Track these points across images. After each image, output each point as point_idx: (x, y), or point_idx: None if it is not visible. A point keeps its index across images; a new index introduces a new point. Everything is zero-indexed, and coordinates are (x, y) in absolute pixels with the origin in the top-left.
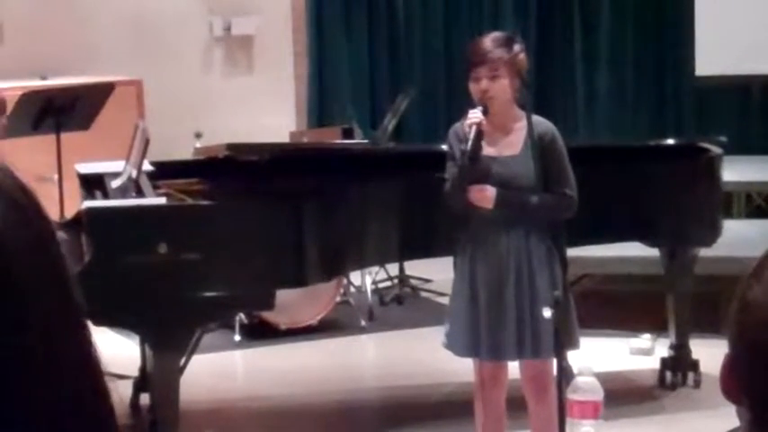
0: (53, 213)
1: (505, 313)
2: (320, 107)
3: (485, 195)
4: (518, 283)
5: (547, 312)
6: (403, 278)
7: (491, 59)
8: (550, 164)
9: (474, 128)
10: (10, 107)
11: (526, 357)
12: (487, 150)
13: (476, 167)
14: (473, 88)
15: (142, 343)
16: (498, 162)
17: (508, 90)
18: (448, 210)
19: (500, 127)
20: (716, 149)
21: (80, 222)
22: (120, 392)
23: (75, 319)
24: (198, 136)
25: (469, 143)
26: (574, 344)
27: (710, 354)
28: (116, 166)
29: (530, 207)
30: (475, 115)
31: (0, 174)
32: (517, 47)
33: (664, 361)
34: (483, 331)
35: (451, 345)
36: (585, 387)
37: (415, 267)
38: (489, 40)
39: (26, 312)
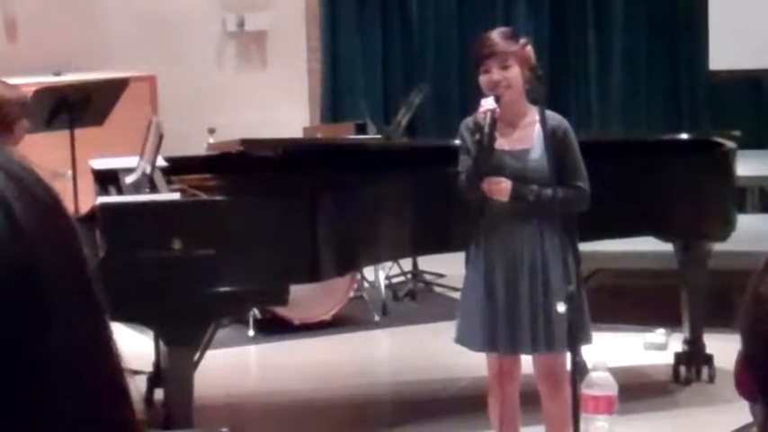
0: (68, 209)
1: (520, 307)
2: (333, 102)
3: (501, 188)
4: (532, 277)
5: (561, 307)
6: (416, 273)
7: (500, 51)
8: (563, 157)
9: (488, 114)
10: None
11: (540, 351)
12: (500, 144)
13: (490, 158)
14: (483, 81)
15: (156, 338)
16: (512, 155)
17: (520, 80)
18: (461, 204)
19: (510, 121)
20: (729, 144)
21: (94, 218)
22: (135, 388)
23: (97, 316)
24: (211, 131)
25: (486, 127)
26: (586, 338)
27: (725, 348)
28: (130, 161)
29: (544, 200)
30: (488, 103)
31: (23, 173)
32: (523, 40)
33: (678, 356)
34: (500, 325)
35: (466, 339)
36: (600, 382)
37: (428, 262)
38: (497, 34)
39: (49, 310)
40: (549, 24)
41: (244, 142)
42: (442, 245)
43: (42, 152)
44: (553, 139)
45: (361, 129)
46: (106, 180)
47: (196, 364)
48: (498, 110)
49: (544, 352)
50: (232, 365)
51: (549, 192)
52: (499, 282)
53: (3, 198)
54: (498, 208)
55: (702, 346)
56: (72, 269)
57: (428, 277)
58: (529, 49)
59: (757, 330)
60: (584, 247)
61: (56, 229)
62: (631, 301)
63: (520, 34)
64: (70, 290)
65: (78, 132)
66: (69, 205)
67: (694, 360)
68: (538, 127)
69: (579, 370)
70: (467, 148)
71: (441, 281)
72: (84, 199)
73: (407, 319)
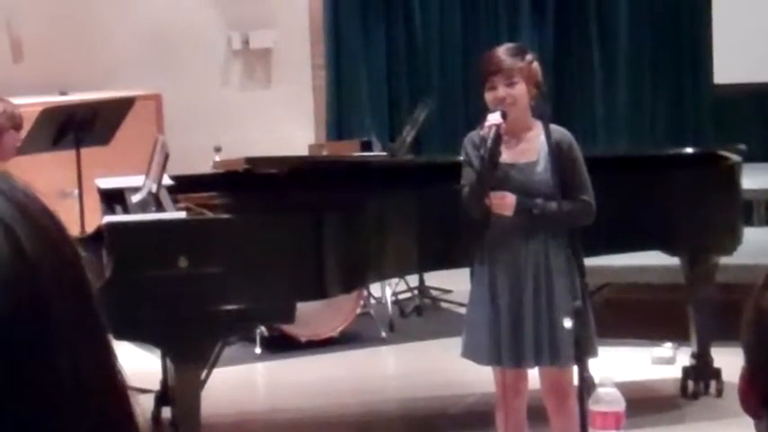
0: (74, 228)
1: (523, 321)
2: (339, 120)
3: (505, 202)
4: (536, 291)
5: (567, 323)
6: (423, 289)
7: (506, 68)
8: (568, 171)
9: (493, 129)
10: (30, 123)
11: (544, 365)
12: (505, 157)
13: (494, 172)
14: (489, 97)
15: (163, 356)
16: (516, 169)
17: (525, 96)
18: (467, 219)
19: (515, 135)
20: (735, 157)
21: (101, 237)
22: (142, 406)
23: (101, 340)
24: (217, 149)
25: (489, 142)
26: (592, 352)
27: (732, 362)
28: (136, 180)
29: (549, 214)
30: (494, 118)
31: (25, 198)
32: (530, 56)
33: (685, 370)
34: (504, 339)
35: (471, 353)
36: (607, 398)
37: (434, 278)
38: (503, 50)
39: (53, 334)
40: (554, 39)
41: (249, 160)
42: (448, 261)
43: (49, 171)
44: (557, 152)
45: (367, 146)
46: (112, 199)
47: (203, 382)
48: (504, 125)
49: (547, 365)
50: (239, 383)
51: (553, 205)
52: (503, 296)
53: (7, 225)
54: (503, 222)
55: (710, 360)
56: (76, 295)
57: (435, 293)
58: (535, 65)
59: (760, 345)
60: (591, 261)
61: (60, 255)
62: (638, 315)
63: (527, 50)
64: (74, 315)
65: (84, 151)
66: (76, 224)
67: (702, 374)
68: (542, 140)
69: (586, 385)
70: (470, 162)
71: (447, 297)
72: (90, 218)
73: (414, 336)
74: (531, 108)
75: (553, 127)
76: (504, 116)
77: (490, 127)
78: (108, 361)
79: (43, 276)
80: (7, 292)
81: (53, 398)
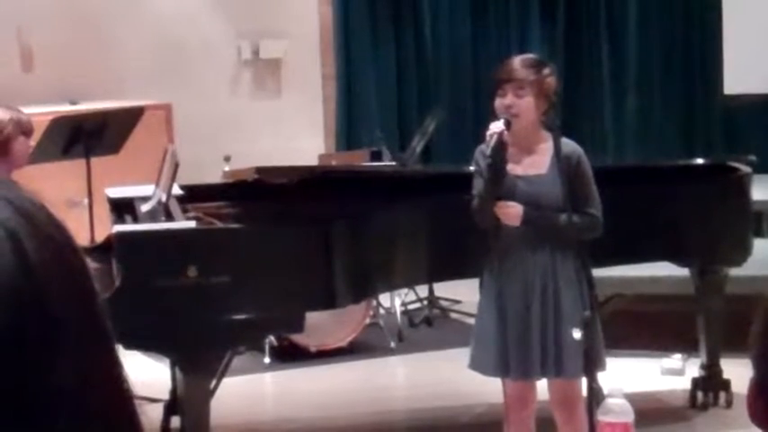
0: (84, 238)
1: (530, 332)
2: (349, 130)
3: (510, 212)
4: (543, 302)
5: (577, 334)
6: (432, 299)
7: (517, 77)
8: (576, 184)
9: (495, 137)
10: (40, 132)
11: (550, 376)
12: (513, 169)
13: (500, 181)
14: (498, 103)
15: (173, 366)
16: (524, 181)
17: (533, 110)
18: (476, 229)
19: (524, 147)
20: (745, 168)
21: (110, 247)
22: (151, 416)
23: (106, 350)
24: (227, 159)
25: (489, 150)
26: (600, 365)
27: (742, 373)
28: (146, 190)
29: (556, 226)
30: (496, 126)
31: (33, 208)
32: (547, 70)
33: (695, 381)
34: (511, 350)
35: (479, 365)
36: (616, 409)
37: (444, 288)
38: (519, 60)
39: (57, 342)
40: (564, 49)
41: (259, 170)
42: (457, 271)
43: (59, 181)
44: (566, 166)
45: (376, 156)
46: (122, 209)
47: (212, 391)
48: (507, 133)
49: (553, 377)
50: (248, 393)
51: (561, 218)
52: (511, 307)
53: (14, 235)
54: (511, 233)
55: (719, 371)
56: (82, 304)
57: (444, 303)
58: (550, 80)
59: None
60: (601, 272)
61: (66, 265)
62: (648, 326)
63: (545, 64)
64: (80, 324)
65: (94, 161)
66: (85, 234)
67: (711, 385)
68: (552, 153)
69: (595, 396)
70: (481, 173)
71: (457, 307)
72: (100, 228)
73: (423, 346)
74: (542, 121)
75: (564, 140)
76: (507, 125)
77: (492, 135)
78: (113, 369)
79: (47, 285)
80: (11, 300)
81: (57, 405)
